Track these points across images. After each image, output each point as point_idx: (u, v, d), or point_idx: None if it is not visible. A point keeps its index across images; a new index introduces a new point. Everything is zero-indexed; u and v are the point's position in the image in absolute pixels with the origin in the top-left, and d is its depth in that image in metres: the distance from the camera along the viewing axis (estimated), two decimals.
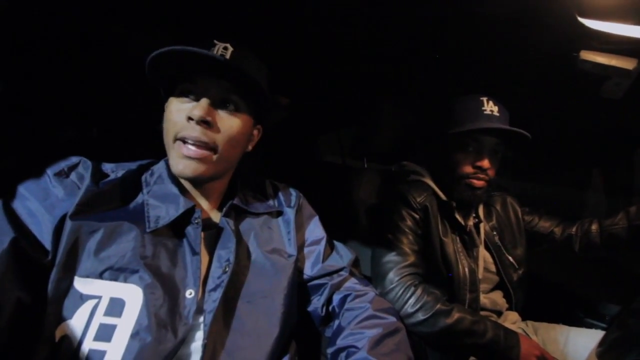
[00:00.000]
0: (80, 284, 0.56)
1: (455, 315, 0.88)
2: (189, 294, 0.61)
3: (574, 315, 1.26)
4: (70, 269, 0.56)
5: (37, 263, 0.54)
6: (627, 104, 1.04)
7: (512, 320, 1.10)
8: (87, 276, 0.56)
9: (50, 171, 0.62)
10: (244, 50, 0.67)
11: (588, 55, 0.88)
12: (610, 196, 1.54)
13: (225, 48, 0.65)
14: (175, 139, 0.64)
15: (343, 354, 0.67)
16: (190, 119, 0.62)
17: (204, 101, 0.63)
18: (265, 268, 0.70)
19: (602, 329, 1.13)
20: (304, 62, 1.24)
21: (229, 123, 0.66)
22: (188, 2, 0.91)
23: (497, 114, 1.01)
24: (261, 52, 0.72)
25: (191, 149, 0.63)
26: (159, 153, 0.75)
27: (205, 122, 0.62)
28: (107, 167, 0.69)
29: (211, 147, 0.64)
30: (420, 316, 0.88)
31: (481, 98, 1.02)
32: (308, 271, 0.79)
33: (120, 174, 0.68)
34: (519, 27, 0.84)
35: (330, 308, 0.77)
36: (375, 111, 1.40)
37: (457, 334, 0.88)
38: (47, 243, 0.56)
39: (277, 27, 1.02)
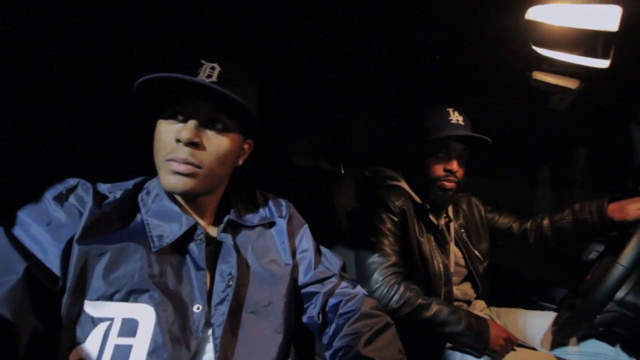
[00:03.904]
0: (91, 308, 0.57)
1: (434, 307, 0.98)
2: (197, 308, 0.63)
3: (530, 300, 1.43)
4: (80, 294, 0.56)
5: (49, 290, 0.55)
6: (570, 114, 1.21)
7: (479, 308, 1.22)
8: (98, 299, 0.57)
9: (48, 195, 0.62)
10: (231, 69, 0.68)
11: (539, 76, 1.03)
12: (555, 189, 1.74)
13: (213, 68, 0.65)
14: (165, 160, 0.65)
15: (340, 354, 0.71)
16: (178, 141, 0.63)
17: (191, 123, 0.64)
18: (264, 279, 0.73)
19: (554, 309, 1.30)
20: (279, 66, 1.27)
21: (217, 142, 0.67)
22: (170, 13, 0.91)
23: (462, 123, 1.12)
24: (236, 54, 0.73)
25: (181, 166, 0.64)
26: (144, 171, 0.74)
27: (192, 144, 0.63)
28: (104, 187, 0.69)
29: (197, 165, 0.65)
30: (404, 311, 0.97)
31: (447, 109, 1.13)
32: (301, 278, 0.82)
33: (118, 194, 0.68)
34: (484, 51, 0.95)
35: (325, 315, 0.81)
36: (350, 118, 1.47)
37: (437, 324, 0.97)
38: (56, 269, 0.56)
39: (256, 30, 1.03)
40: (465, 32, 0.88)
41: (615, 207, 1.06)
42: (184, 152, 0.63)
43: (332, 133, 1.58)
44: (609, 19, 0.70)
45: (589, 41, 0.78)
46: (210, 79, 0.65)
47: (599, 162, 1.56)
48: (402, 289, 0.99)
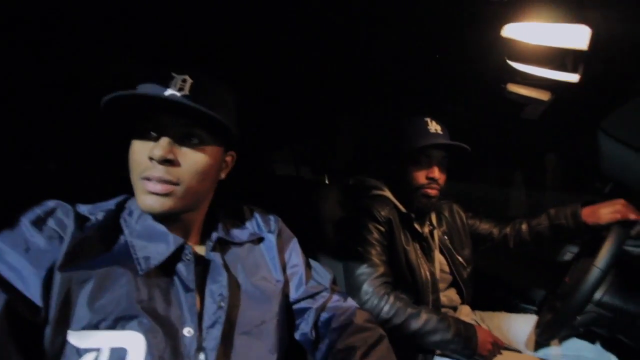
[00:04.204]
0: (76, 338, 0.53)
1: (424, 316, 0.99)
2: (188, 332, 0.60)
3: (511, 302, 1.47)
4: (64, 324, 0.53)
5: (31, 323, 0.51)
6: (542, 123, 1.28)
7: (465, 313, 1.25)
8: (83, 328, 0.54)
9: (25, 219, 0.58)
10: (204, 80, 0.65)
11: (513, 88, 1.10)
12: (530, 192, 1.83)
13: (184, 81, 0.63)
14: (140, 178, 0.62)
15: None
16: (151, 159, 0.60)
17: (164, 140, 0.61)
18: (256, 297, 0.71)
19: (534, 311, 1.34)
20: (261, 75, 1.27)
21: (193, 158, 0.64)
22: (146, 24, 0.89)
23: (441, 132, 1.15)
24: (218, 64, 0.71)
25: (157, 185, 0.61)
26: (125, 189, 0.71)
27: (167, 161, 0.61)
28: (84, 209, 0.65)
29: (175, 183, 0.62)
30: (395, 321, 0.97)
31: (425, 119, 1.16)
32: (293, 294, 0.81)
33: (100, 216, 0.65)
34: (463, 64, 0.99)
35: (318, 330, 0.79)
36: (333, 128, 1.48)
37: (427, 332, 0.98)
38: (37, 299, 0.52)
39: (237, 39, 1.03)
40: (446, 46, 0.92)
41: (588, 212, 1.11)
42: (159, 170, 0.61)
43: (315, 142, 1.59)
44: (579, 37, 0.76)
45: (560, 57, 0.84)
46: (182, 92, 0.62)
47: (569, 167, 1.65)
48: (392, 299, 1.00)
